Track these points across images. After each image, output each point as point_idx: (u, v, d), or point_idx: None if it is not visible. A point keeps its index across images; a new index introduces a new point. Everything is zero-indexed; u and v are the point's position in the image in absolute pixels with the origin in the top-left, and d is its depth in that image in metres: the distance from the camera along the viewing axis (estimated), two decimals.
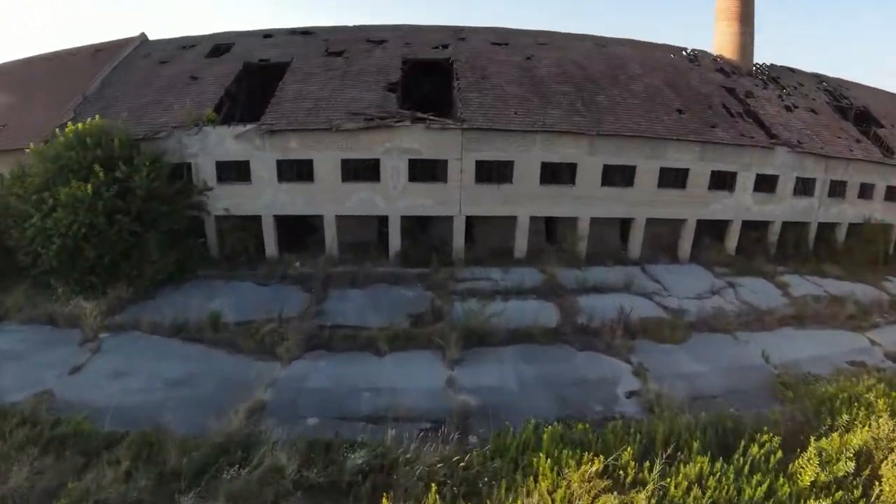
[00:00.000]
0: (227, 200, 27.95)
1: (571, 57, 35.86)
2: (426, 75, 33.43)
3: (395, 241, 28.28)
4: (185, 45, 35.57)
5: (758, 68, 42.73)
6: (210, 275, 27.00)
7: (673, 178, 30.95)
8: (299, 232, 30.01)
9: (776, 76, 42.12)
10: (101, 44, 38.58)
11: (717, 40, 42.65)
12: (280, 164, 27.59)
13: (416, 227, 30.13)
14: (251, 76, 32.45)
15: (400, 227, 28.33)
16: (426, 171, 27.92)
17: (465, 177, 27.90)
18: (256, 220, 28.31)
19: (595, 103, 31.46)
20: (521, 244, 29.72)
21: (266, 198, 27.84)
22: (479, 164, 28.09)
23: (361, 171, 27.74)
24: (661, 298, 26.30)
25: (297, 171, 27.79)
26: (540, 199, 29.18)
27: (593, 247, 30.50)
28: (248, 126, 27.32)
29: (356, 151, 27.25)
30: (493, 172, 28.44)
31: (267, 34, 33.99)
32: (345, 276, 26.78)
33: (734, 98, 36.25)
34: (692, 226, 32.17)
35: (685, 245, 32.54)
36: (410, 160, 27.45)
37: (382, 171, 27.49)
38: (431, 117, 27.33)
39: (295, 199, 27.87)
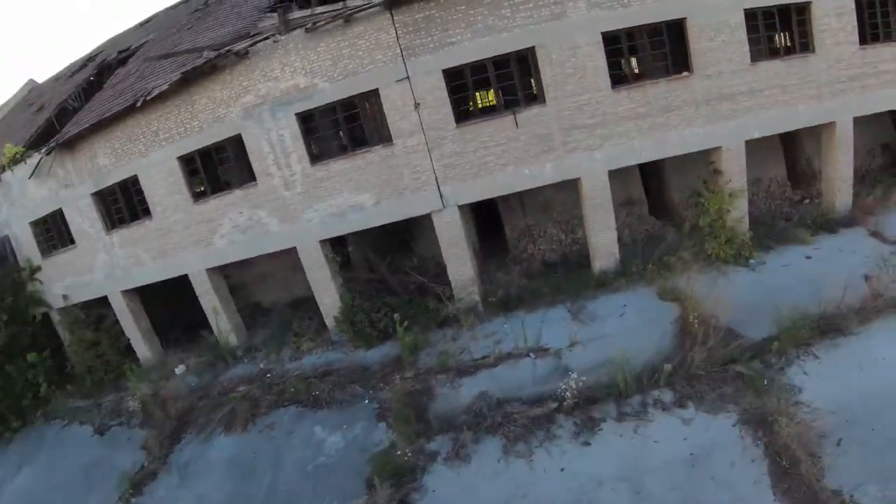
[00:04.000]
0: (62, 281, 12.33)
1: None
2: None
3: (324, 295, 10.40)
4: (63, 74, 20.90)
5: None
6: (60, 410, 11.78)
7: None
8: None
9: None
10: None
11: None
12: (102, 200, 11.32)
13: (386, 247, 12.00)
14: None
15: (330, 260, 10.40)
16: (341, 130, 9.74)
17: (430, 116, 9.20)
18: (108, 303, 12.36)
19: None
20: (603, 240, 10.07)
21: (101, 265, 11.71)
22: (453, 78, 9.23)
23: (221, 170, 10.46)
24: None
25: (126, 204, 11.27)
26: (625, 122, 9.41)
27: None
28: (44, 150, 11.50)
29: (198, 133, 9.99)
30: (487, 88, 9.38)
31: (146, 20, 18.35)
32: (221, 403, 9.76)
33: None
34: None
35: None
36: (301, 116, 9.52)
37: (255, 159, 9.87)
38: (320, 10, 9.17)
39: (139, 257, 11.29)
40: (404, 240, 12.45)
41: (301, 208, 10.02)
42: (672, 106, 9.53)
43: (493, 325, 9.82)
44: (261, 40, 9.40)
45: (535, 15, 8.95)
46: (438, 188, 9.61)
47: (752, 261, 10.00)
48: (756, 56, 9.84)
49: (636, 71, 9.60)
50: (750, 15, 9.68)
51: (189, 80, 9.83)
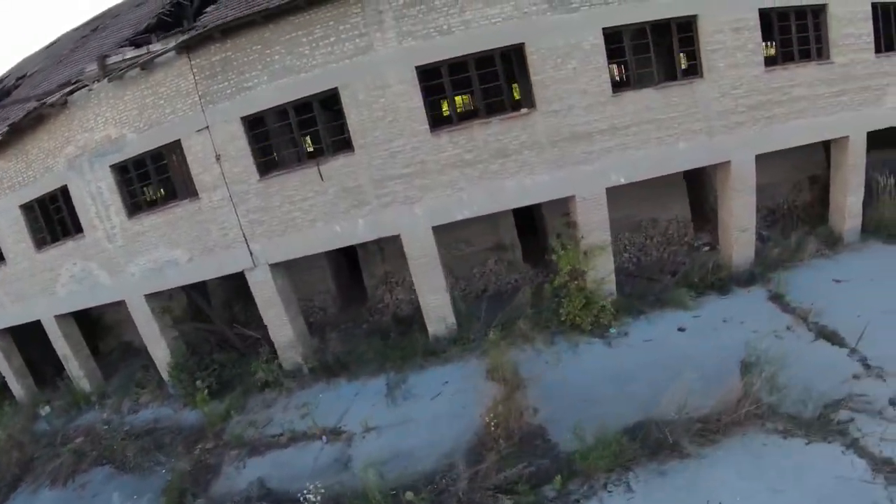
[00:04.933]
0: None
1: None
2: None
3: (157, 349, 9.56)
4: None
5: None
6: None
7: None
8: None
9: None
10: None
11: None
12: None
13: (239, 293, 10.95)
14: None
15: (157, 314, 9.51)
16: (152, 183, 8.78)
17: (232, 168, 8.04)
18: None
19: None
20: (433, 303, 8.48)
21: None
22: (254, 126, 7.99)
23: (56, 221, 9.79)
24: None
25: None
26: (449, 170, 7.78)
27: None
28: None
29: (33, 183, 9.42)
30: (293, 136, 8.07)
31: (51, 43, 17.54)
32: (58, 454, 9.17)
33: None
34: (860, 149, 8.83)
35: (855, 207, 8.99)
36: (116, 168, 8.68)
37: (80, 210, 9.15)
38: (129, 55, 8.23)
39: (1, 300, 10.94)
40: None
41: (124, 262, 9.24)
42: (508, 150, 7.84)
43: (311, 392, 8.64)
44: (71, 91, 8.63)
45: (338, 51, 7.58)
46: (248, 245, 8.48)
47: (612, 330, 8.13)
48: (620, 85, 7.93)
49: (476, 107, 7.96)
50: (612, 35, 7.82)
51: (21, 129, 9.26)
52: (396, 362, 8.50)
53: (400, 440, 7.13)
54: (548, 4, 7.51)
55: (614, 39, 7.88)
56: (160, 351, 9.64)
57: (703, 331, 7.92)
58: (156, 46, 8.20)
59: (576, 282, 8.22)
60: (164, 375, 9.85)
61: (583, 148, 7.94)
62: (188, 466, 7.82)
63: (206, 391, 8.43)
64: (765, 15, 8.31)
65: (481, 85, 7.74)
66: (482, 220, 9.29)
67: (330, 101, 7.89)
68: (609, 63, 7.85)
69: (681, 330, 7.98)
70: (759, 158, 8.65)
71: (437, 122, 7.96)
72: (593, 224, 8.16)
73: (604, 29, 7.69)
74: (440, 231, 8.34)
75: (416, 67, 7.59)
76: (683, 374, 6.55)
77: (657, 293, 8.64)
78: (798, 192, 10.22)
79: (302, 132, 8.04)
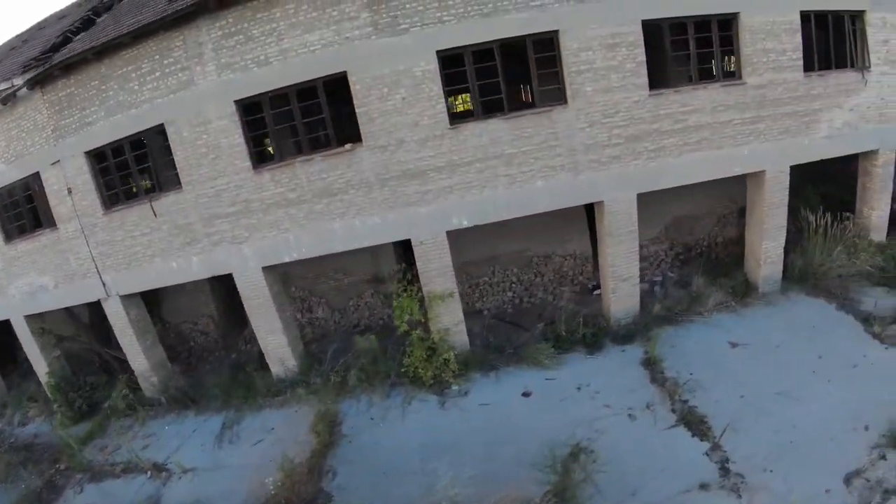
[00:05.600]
0: None
1: None
2: None
3: (38, 367, 9.94)
4: None
5: None
6: None
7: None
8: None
9: None
10: None
11: None
12: None
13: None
14: None
15: (38, 333, 9.88)
16: (22, 212, 9.03)
17: (81, 201, 8.11)
18: None
19: None
20: (271, 344, 8.06)
21: None
22: (99, 161, 7.96)
23: None
24: None
25: None
26: (274, 209, 7.29)
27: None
28: None
29: None
30: (132, 173, 7.93)
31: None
32: None
33: None
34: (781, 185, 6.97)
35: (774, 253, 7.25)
36: None
37: None
38: (3, 86, 8.51)
39: None
40: (147, 302, 11.30)
41: (6, 283, 9.65)
42: (333, 189, 7.21)
43: (162, 423, 8.62)
44: None
45: (162, 85, 7.32)
46: (100, 277, 8.49)
47: (454, 387, 7.29)
48: (461, 116, 7.01)
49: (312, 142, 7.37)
50: (451, 59, 6.90)
51: None
52: (240, 400, 8.22)
53: (207, 486, 6.88)
54: (372, 27, 6.74)
55: (454, 63, 6.94)
56: (41, 369, 10.02)
57: (549, 399, 6.87)
58: (17, 80, 8.39)
59: (416, 331, 7.42)
60: (48, 393, 10.24)
61: (416, 187, 7.10)
62: (40, 485, 8.07)
63: (64, 414, 8.62)
64: (653, 27, 6.98)
65: (303, 119, 7.14)
66: (361, 250, 8.66)
67: (161, 137, 7.65)
68: (447, 91, 6.93)
69: (525, 395, 6.96)
70: (678, 188, 7.33)
71: (263, 159, 7.45)
72: (433, 271, 7.30)
73: (439, 52, 6.79)
74: (318, 260, 7.79)
75: (236, 102, 7.13)
76: (515, 451, 5.77)
77: (517, 346, 7.62)
78: (723, 227, 8.59)
79: (138, 167, 7.89)
